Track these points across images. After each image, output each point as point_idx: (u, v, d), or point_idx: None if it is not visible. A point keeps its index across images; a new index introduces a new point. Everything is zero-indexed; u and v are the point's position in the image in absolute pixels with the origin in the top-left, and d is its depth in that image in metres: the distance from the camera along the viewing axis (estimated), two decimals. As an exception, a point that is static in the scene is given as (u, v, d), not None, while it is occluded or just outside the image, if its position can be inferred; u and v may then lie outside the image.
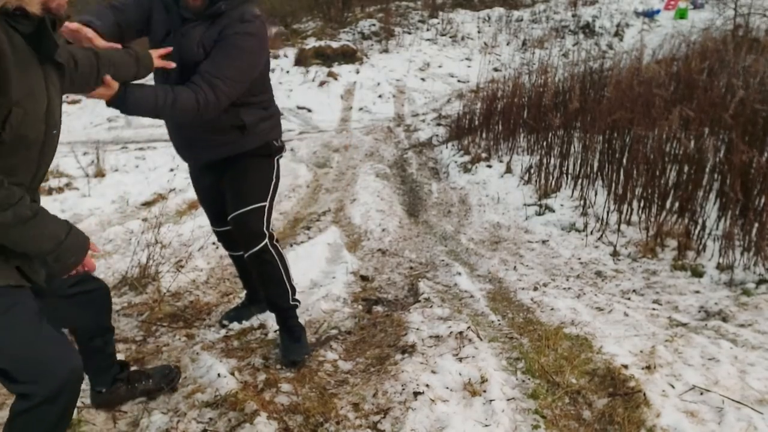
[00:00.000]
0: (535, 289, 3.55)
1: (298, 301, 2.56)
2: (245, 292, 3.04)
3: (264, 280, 2.46)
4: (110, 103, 1.85)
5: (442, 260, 4.22)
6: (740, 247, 3.86)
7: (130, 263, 3.72)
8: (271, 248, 2.34)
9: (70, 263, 1.54)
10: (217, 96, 1.97)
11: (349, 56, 13.38)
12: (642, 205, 4.65)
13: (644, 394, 2.19)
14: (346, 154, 8.02)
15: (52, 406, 1.50)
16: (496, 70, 11.86)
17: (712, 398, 2.22)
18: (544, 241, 4.67)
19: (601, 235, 4.54)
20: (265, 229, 2.30)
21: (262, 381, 2.37)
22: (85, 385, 2.36)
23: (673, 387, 2.31)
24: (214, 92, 1.96)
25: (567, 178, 5.62)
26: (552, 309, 3.17)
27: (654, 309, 3.29)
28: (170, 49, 2.02)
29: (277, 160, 2.43)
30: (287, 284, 2.45)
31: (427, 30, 15.82)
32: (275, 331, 2.86)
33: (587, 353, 2.59)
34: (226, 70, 1.99)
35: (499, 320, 3.06)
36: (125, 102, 1.85)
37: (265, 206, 2.30)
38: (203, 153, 2.33)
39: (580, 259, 4.28)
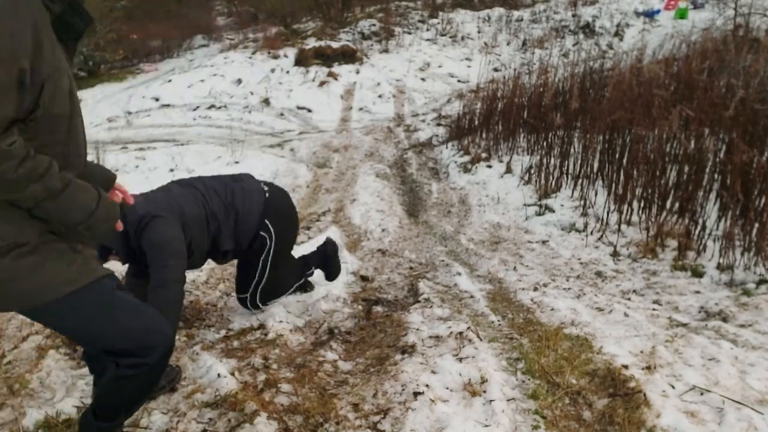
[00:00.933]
0: (535, 289, 3.55)
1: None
2: None
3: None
4: None
5: (442, 260, 4.22)
6: (740, 247, 3.85)
7: (130, 263, 3.72)
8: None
9: (100, 230, 1.55)
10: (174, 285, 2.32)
11: (349, 56, 13.37)
12: (642, 205, 4.65)
13: (644, 395, 2.19)
14: (346, 154, 8.02)
15: (155, 369, 1.71)
16: (496, 70, 11.85)
17: (713, 398, 2.22)
18: (544, 242, 4.67)
19: (602, 236, 4.54)
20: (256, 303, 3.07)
21: (262, 381, 2.37)
22: (86, 386, 2.36)
23: (673, 387, 2.31)
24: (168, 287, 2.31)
25: (567, 178, 5.62)
26: (552, 309, 3.16)
27: (654, 309, 3.29)
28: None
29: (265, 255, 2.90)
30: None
31: (427, 30, 15.80)
32: (275, 332, 2.87)
33: (587, 354, 2.59)
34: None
35: (499, 320, 3.06)
36: None
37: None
38: None
39: (580, 259, 4.28)
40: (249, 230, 2.68)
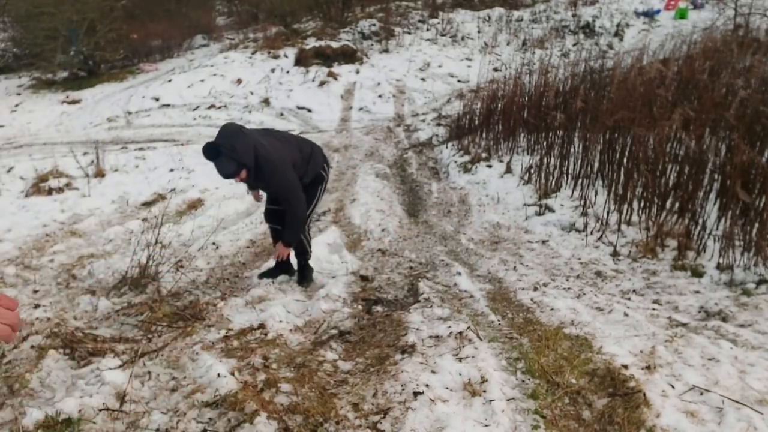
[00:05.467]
0: (535, 289, 3.55)
1: (311, 256, 3.82)
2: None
3: (296, 251, 3.67)
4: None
5: (442, 260, 4.22)
6: (740, 247, 3.85)
7: (130, 263, 3.72)
8: (302, 238, 3.60)
9: None
10: (294, 204, 3.32)
11: (349, 56, 13.36)
12: (642, 205, 4.65)
13: (644, 395, 2.19)
14: (346, 154, 8.02)
15: None
16: (496, 70, 11.85)
17: (712, 398, 2.22)
18: (544, 241, 4.67)
19: (601, 235, 4.54)
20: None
21: (262, 381, 2.37)
22: (86, 385, 2.36)
23: (673, 387, 2.31)
24: (291, 203, 3.30)
25: (567, 178, 5.62)
26: (552, 309, 3.17)
27: (654, 309, 3.29)
28: None
29: (321, 185, 3.61)
30: (308, 251, 3.76)
31: (427, 30, 15.79)
32: (275, 332, 2.88)
33: (587, 353, 2.59)
34: (287, 192, 3.28)
35: (498, 320, 3.06)
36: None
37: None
38: None
39: (580, 259, 4.28)
40: (317, 169, 3.57)
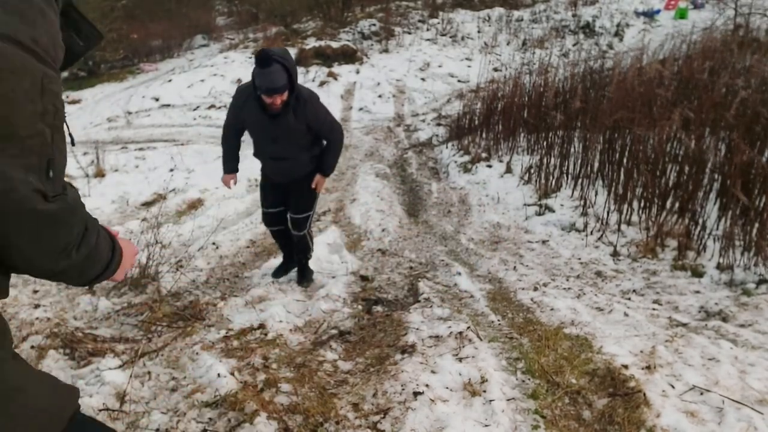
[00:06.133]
0: (535, 289, 3.55)
1: (312, 256, 3.80)
2: (282, 256, 3.91)
3: (298, 247, 3.67)
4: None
5: (442, 260, 4.22)
6: (740, 247, 3.85)
7: (130, 263, 3.72)
8: (306, 235, 3.57)
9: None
10: (341, 132, 3.35)
11: (349, 56, 13.36)
12: (642, 205, 4.65)
13: (644, 394, 2.19)
14: (346, 154, 8.02)
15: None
16: (496, 70, 11.84)
17: (712, 398, 2.22)
18: (544, 241, 4.67)
19: (602, 235, 4.54)
20: (307, 225, 3.57)
21: (262, 381, 2.37)
22: (86, 385, 2.36)
23: (673, 387, 2.31)
24: (339, 133, 3.32)
25: (567, 178, 5.62)
26: (552, 309, 3.16)
27: (654, 309, 3.29)
28: None
29: None
30: (311, 249, 3.72)
31: (427, 30, 15.79)
32: (275, 332, 2.88)
33: (587, 353, 2.59)
34: (332, 122, 3.27)
35: (499, 320, 3.06)
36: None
37: (311, 213, 3.55)
38: (290, 175, 3.43)
39: (580, 259, 4.28)
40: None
